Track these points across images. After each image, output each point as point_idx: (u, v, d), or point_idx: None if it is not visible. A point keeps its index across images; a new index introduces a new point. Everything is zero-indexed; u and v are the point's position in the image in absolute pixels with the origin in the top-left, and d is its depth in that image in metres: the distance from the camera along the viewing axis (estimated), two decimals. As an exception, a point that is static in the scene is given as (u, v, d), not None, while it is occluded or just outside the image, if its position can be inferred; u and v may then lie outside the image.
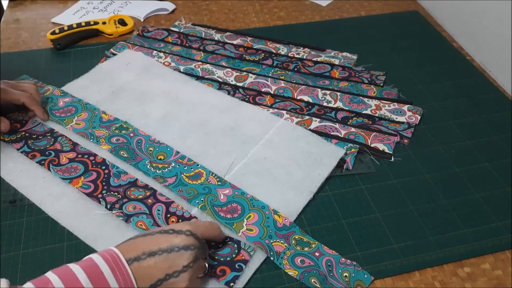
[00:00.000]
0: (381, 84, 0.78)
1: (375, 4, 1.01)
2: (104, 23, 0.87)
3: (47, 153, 0.62)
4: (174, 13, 0.97)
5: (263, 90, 0.75)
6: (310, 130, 0.68)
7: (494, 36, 0.81)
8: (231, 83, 0.77)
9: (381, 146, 0.66)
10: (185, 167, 0.61)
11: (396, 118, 0.71)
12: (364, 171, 0.63)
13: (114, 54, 0.82)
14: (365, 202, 0.60)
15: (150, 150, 0.63)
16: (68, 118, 0.68)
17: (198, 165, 0.62)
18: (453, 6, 0.91)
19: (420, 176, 0.63)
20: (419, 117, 0.71)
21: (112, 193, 0.58)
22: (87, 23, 0.86)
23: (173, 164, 0.62)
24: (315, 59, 0.82)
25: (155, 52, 0.82)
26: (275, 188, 0.60)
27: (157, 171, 0.61)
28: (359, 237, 0.55)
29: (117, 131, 0.66)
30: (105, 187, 0.58)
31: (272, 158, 0.63)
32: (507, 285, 0.52)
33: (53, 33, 0.83)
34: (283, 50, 0.85)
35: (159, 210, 0.56)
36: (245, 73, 0.79)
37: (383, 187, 0.62)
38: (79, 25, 0.85)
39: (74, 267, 0.41)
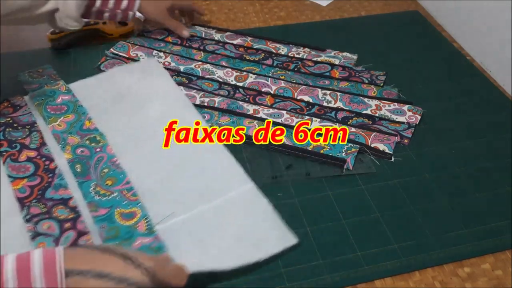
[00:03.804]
0: (381, 84, 0.78)
1: (375, 4, 1.01)
2: (104, 22, 0.87)
3: (13, 145, 0.62)
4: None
5: (263, 90, 0.75)
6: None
7: (494, 36, 0.81)
8: (231, 83, 0.77)
9: (381, 146, 0.66)
10: (124, 201, 0.57)
11: (396, 118, 0.71)
12: (364, 171, 0.63)
13: (114, 54, 0.82)
14: (365, 202, 0.60)
15: (104, 171, 0.60)
16: (54, 117, 0.67)
17: (138, 203, 0.57)
18: (453, 6, 0.91)
19: (420, 176, 0.63)
20: (419, 117, 0.71)
21: (40, 204, 0.56)
22: (87, 23, 0.86)
23: (115, 194, 0.57)
24: (315, 59, 0.82)
25: (155, 52, 0.82)
26: (201, 260, 0.51)
27: (96, 196, 0.57)
28: (359, 237, 0.56)
29: (87, 142, 0.64)
30: (38, 196, 0.56)
31: (216, 225, 0.55)
32: (507, 285, 0.52)
33: (53, 32, 0.83)
34: (283, 50, 0.85)
35: (67, 237, 0.52)
36: (245, 73, 0.79)
37: (383, 187, 0.62)
38: (79, 24, 0.85)
39: (9, 256, 0.38)
